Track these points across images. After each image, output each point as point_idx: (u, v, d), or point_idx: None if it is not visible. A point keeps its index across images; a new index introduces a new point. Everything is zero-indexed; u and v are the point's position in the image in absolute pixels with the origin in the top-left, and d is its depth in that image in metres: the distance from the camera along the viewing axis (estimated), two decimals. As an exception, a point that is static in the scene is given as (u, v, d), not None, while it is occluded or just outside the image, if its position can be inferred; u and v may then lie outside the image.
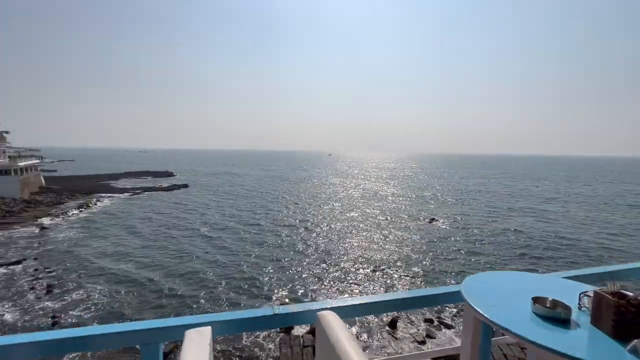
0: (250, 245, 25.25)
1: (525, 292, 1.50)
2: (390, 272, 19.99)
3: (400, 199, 49.93)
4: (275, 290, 17.32)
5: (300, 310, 1.40)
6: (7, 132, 57.35)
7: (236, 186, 64.35)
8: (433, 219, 34.77)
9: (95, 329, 1.24)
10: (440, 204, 44.68)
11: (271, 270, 20.06)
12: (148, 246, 24.58)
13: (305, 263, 21.51)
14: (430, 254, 23.29)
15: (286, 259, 22.07)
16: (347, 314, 1.49)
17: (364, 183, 74.49)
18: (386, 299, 1.66)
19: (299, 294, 17.03)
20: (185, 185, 62.36)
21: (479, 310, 1.39)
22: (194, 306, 15.43)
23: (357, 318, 14.48)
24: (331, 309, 1.42)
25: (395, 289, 17.66)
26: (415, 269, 20.31)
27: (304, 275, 19.40)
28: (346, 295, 16.80)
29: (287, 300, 16.18)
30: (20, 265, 20.08)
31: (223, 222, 32.79)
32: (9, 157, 43.88)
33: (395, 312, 14.81)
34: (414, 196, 52.73)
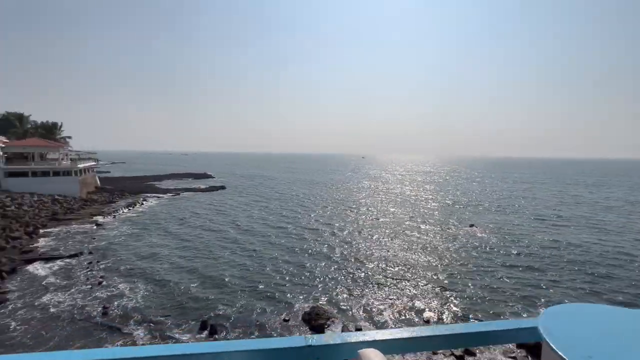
0: (281, 250, 25.60)
1: (634, 339, 1.06)
2: (431, 287, 19.16)
3: (436, 204, 47.97)
4: (303, 300, 17.31)
5: (338, 342, 1.16)
6: (69, 137, 63.76)
7: (269, 189, 65.83)
8: (472, 225, 32.97)
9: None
10: (480, 210, 42.26)
11: (302, 277, 20.15)
12: (185, 246, 25.86)
13: (336, 271, 21.33)
14: (475, 267, 21.99)
15: (317, 266, 22.05)
16: (393, 349, 1.23)
17: (398, 187, 72.66)
18: (440, 333, 1.33)
19: (330, 306, 16.86)
20: (223, 187, 65.11)
21: None
22: (219, 308, 15.89)
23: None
24: (374, 342, 1.16)
25: (439, 309, 16.88)
26: (460, 286, 18.78)
27: (334, 285, 19.21)
28: (387, 318, 15.95)
29: (316, 314, 16.08)
30: (77, 259, 22.07)
31: (256, 224, 33.64)
32: (71, 159, 48.70)
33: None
34: (449, 202, 50.42)
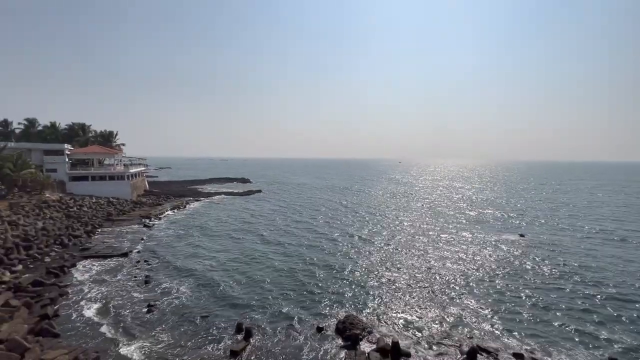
0: (315, 256, 25.46)
1: None
2: (474, 306, 17.89)
3: (482, 210, 45.07)
4: (337, 308, 16.92)
5: None
6: (123, 144, 69.42)
7: (301, 194, 66.36)
8: (521, 235, 30.40)
9: None
10: (530, 219, 38.93)
11: (337, 285, 19.78)
12: (225, 248, 26.69)
13: (373, 280, 20.70)
14: (526, 287, 20.23)
15: (352, 273, 21.57)
16: None
17: (434, 193, 69.58)
18: None
19: (365, 316, 16.32)
20: (259, 191, 67.04)
21: None
22: (255, 311, 15.99)
23: None
24: None
25: (479, 331, 15.66)
26: (509, 307, 17.71)
27: (370, 295, 18.62)
28: (425, 335, 15.20)
29: (350, 324, 15.58)
30: (127, 257, 23.70)
31: (290, 228, 33.91)
32: (124, 165, 52.96)
33: None
34: (497, 212, 47.16)
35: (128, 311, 15.60)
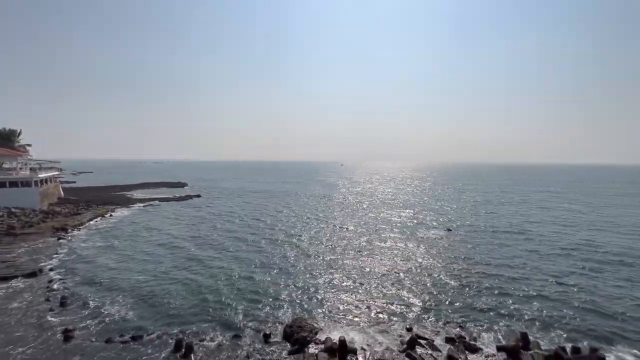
0: (256, 262, 24.82)
1: None
2: (409, 292, 19.21)
3: (411, 211, 48.85)
4: (282, 313, 16.79)
5: None
6: (29, 145, 59.49)
7: (244, 197, 64.53)
8: (449, 230, 33.78)
9: None
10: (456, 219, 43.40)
11: (280, 288, 19.57)
12: (157, 258, 24.49)
13: (313, 282, 20.96)
14: (453, 275, 22.36)
15: (294, 276, 21.58)
16: None
17: (371, 195, 73.55)
18: None
19: (312, 318, 16.44)
20: (198, 196, 63.13)
21: None
22: (194, 324, 15.06)
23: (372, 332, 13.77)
24: None
25: (415, 314, 16.85)
26: (440, 292, 19.39)
27: (314, 296, 18.82)
28: (369, 324, 16.03)
29: (298, 327, 15.56)
30: (36, 277, 20.22)
31: (229, 235, 32.61)
32: (30, 169, 45.24)
33: (410, 331, 14.05)
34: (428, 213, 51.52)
35: (39, 341, 13.28)
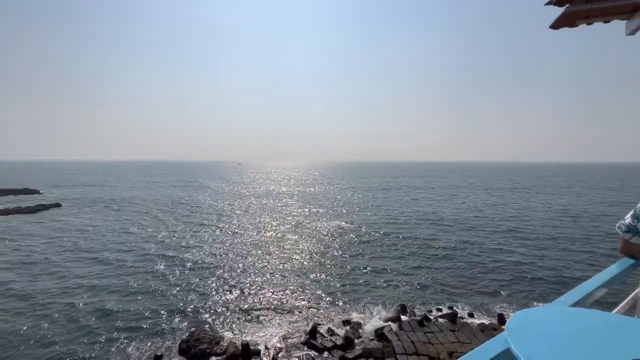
0: (136, 275, 21.89)
1: (599, 343, 0.98)
2: (306, 282, 20.10)
3: (300, 206, 51.38)
4: (177, 327, 15.39)
5: None
6: None
7: (119, 202, 55.66)
8: (351, 223, 36.91)
9: None
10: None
11: (170, 300, 17.81)
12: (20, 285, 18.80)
13: (206, 288, 19.87)
14: (341, 261, 24.41)
15: (187, 284, 19.96)
16: None
17: (270, 194, 74.20)
18: None
19: (210, 327, 15.53)
20: (57, 205, 50.76)
21: None
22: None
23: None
24: None
25: (316, 302, 17.73)
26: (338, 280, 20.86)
27: (209, 303, 17.85)
28: (275, 324, 16.06)
29: (196, 340, 14.49)
30: None
31: (100, 248, 27.70)
32: None
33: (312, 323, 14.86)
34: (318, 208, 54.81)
35: None
